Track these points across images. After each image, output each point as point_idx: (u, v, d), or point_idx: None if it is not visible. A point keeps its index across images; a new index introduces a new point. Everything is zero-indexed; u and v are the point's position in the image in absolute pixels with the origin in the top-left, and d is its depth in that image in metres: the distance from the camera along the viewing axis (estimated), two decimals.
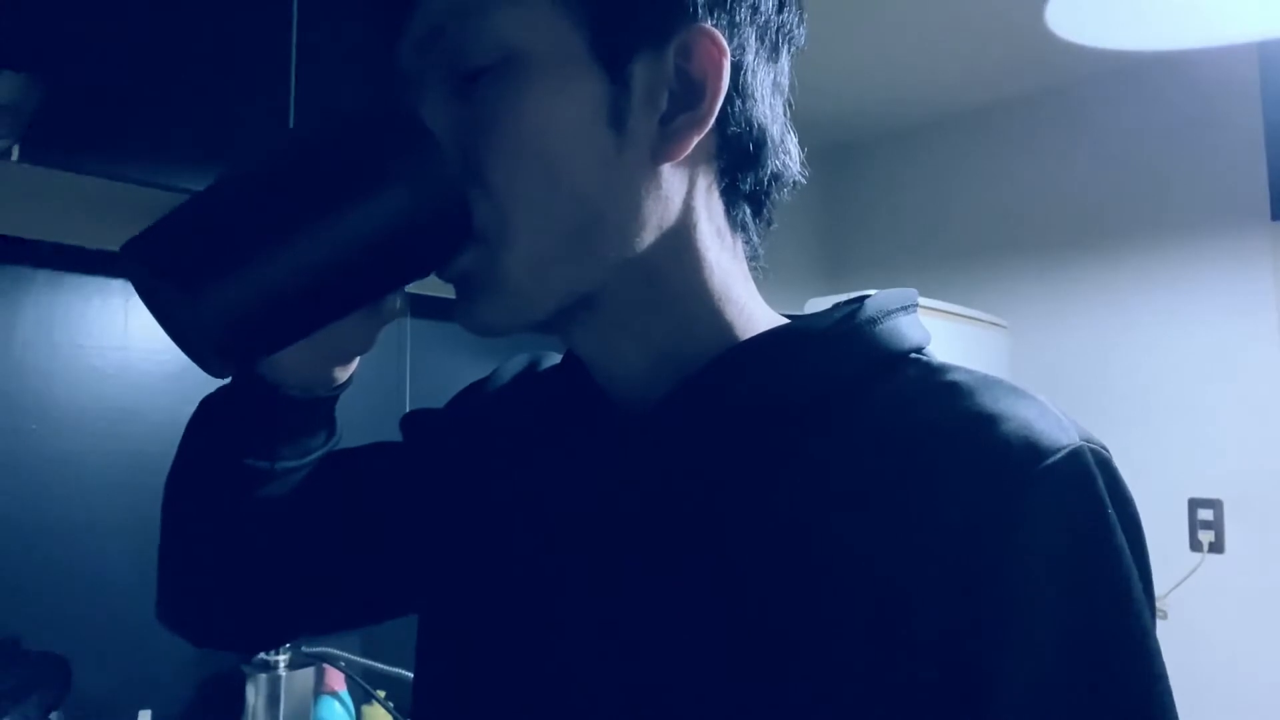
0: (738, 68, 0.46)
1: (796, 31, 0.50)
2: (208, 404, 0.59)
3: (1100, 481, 0.41)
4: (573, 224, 0.45)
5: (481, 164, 0.45)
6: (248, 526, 0.59)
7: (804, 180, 0.51)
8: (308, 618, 0.66)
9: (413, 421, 0.67)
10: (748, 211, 0.50)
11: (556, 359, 0.63)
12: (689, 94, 0.45)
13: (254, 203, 0.42)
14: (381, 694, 1.55)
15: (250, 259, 0.41)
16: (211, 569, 0.61)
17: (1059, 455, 0.40)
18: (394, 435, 0.68)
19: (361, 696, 1.63)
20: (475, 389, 0.65)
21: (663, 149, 0.45)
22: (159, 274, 0.41)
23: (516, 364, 0.65)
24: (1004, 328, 2.26)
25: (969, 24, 2.05)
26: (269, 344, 0.44)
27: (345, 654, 1.56)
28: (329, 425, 0.61)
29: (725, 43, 0.45)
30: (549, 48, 0.44)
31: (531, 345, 0.66)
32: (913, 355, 0.48)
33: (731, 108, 0.47)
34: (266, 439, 0.57)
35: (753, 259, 0.52)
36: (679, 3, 0.45)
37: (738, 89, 0.47)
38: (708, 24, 0.45)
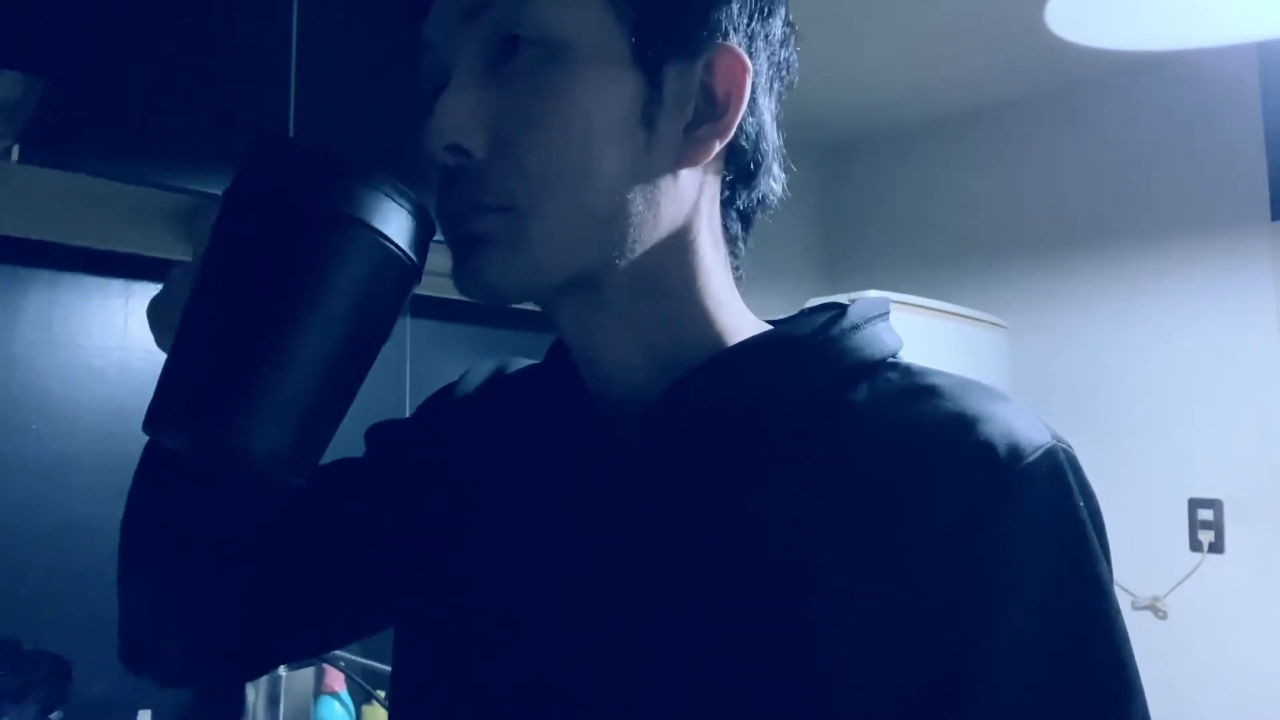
0: (753, 88, 0.49)
1: (793, 68, 0.54)
2: (153, 448, 0.58)
3: (1070, 476, 0.44)
4: (598, 210, 0.47)
5: (519, 143, 0.46)
6: (212, 565, 0.59)
7: (783, 202, 0.55)
8: (280, 648, 0.65)
9: (377, 434, 0.66)
10: (739, 226, 0.54)
11: (524, 364, 0.63)
12: (711, 106, 0.48)
13: (235, 333, 0.44)
14: (381, 694, 1.55)
15: (267, 381, 0.42)
16: (178, 612, 0.60)
17: (1037, 453, 0.43)
18: None
19: (361, 696, 1.63)
20: (443, 395, 0.65)
21: (686, 153, 0.48)
22: (202, 437, 0.43)
23: (484, 369, 0.64)
24: (1003, 328, 2.26)
25: (969, 24, 2.05)
26: (324, 437, 0.46)
27: (345, 654, 1.56)
28: None
29: (749, 61, 0.48)
30: (596, 43, 0.46)
31: (523, 351, 0.66)
32: (890, 360, 0.50)
33: (745, 124, 0.49)
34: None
35: (735, 269, 0.54)
36: (715, 20, 0.47)
37: (750, 108, 0.49)
38: (733, 43, 0.48)
